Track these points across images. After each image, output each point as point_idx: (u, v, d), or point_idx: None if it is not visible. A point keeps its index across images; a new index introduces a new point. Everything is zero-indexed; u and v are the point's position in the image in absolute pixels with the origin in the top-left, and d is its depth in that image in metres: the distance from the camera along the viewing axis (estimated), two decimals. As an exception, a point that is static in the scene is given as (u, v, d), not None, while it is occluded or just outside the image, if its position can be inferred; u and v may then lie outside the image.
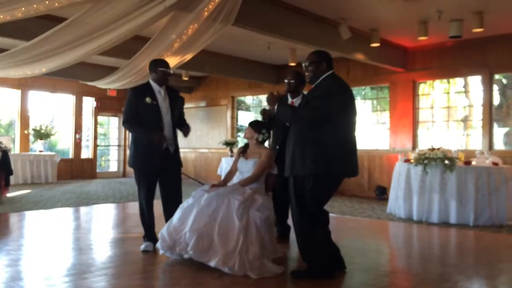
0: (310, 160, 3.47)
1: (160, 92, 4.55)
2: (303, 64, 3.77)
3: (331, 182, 3.61)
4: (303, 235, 3.64)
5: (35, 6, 4.52)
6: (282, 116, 3.76)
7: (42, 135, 12.41)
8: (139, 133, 4.48)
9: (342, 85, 3.67)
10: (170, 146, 4.57)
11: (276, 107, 3.74)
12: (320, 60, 3.67)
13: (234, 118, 12.70)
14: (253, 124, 4.47)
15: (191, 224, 3.81)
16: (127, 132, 15.01)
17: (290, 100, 5.09)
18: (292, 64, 9.47)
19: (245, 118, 12.85)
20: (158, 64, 4.58)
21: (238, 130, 12.74)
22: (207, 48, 7.38)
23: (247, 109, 13.18)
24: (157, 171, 4.52)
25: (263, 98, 12.25)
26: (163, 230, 4.02)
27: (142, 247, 4.52)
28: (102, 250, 4.66)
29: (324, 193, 3.62)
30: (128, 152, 16.01)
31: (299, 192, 3.59)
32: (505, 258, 4.77)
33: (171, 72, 4.70)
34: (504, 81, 9.01)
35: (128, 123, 4.53)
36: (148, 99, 4.43)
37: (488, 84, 8.65)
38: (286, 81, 5.03)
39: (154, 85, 4.56)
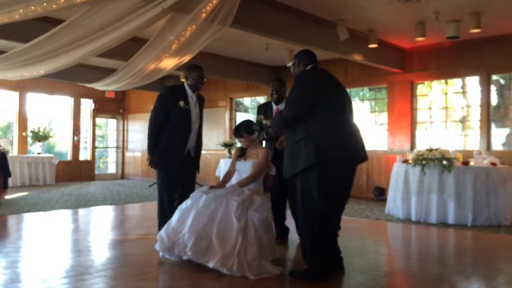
0: (304, 154, 3.40)
1: (192, 97, 4.65)
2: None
3: (332, 171, 3.42)
4: (311, 236, 3.50)
5: (32, 8, 4.51)
6: (275, 126, 3.84)
7: (40, 137, 12.40)
8: (151, 145, 4.58)
9: (314, 73, 3.67)
10: (193, 150, 4.71)
11: (270, 124, 3.86)
12: (296, 60, 3.82)
13: (232, 119, 12.70)
14: (243, 131, 4.40)
15: (190, 225, 3.81)
16: (125, 134, 15.03)
17: (275, 107, 5.17)
18: (290, 65, 9.47)
19: (244, 119, 12.82)
20: (193, 70, 4.65)
21: (237, 131, 12.71)
22: (205, 50, 7.38)
23: (245, 110, 13.19)
24: (177, 172, 4.61)
25: (262, 99, 12.26)
26: (161, 232, 4.02)
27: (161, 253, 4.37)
28: (101, 252, 4.65)
29: (329, 185, 3.43)
30: (126, 154, 15.94)
31: (306, 191, 3.47)
32: (503, 258, 4.77)
33: (205, 80, 4.77)
34: (502, 81, 9.03)
35: (152, 129, 4.60)
36: (181, 103, 4.52)
37: (486, 85, 8.67)
38: (271, 89, 5.13)
39: (188, 89, 4.65)
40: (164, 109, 4.55)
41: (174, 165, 4.56)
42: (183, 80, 11.92)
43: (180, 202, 4.53)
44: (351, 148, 3.48)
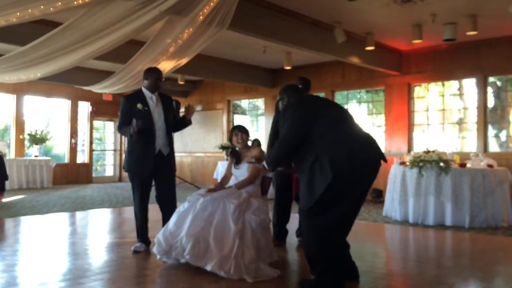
0: (319, 175, 3.18)
1: (152, 98, 4.72)
2: None
3: (351, 179, 3.21)
4: (320, 242, 3.30)
5: (30, 11, 4.51)
6: (270, 166, 3.61)
7: (37, 140, 12.38)
8: (126, 132, 4.60)
9: (300, 101, 3.61)
10: (164, 149, 4.70)
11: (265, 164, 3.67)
12: (284, 96, 3.79)
13: (230, 122, 12.70)
14: (242, 132, 4.40)
15: (187, 228, 3.80)
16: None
17: None
18: (288, 67, 9.49)
19: (241, 122, 12.86)
20: (149, 72, 4.77)
21: (234, 134, 12.71)
22: (202, 52, 7.39)
23: (243, 113, 13.19)
24: (150, 174, 4.65)
25: (259, 102, 12.28)
26: (159, 235, 4.01)
27: (133, 247, 4.66)
28: (98, 255, 4.64)
29: (348, 194, 3.24)
30: (123, 156, 15.97)
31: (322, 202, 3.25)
32: (501, 260, 4.78)
33: (163, 78, 4.86)
34: (499, 83, 9.06)
35: (120, 129, 4.75)
36: (139, 105, 4.60)
37: (482, 87, 8.70)
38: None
39: (146, 92, 4.74)
40: (125, 115, 4.63)
41: (146, 167, 4.58)
42: (181, 82, 11.97)
43: (163, 203, 4.72)
44: (364, 152, 3.30)
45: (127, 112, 4.63)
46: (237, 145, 4.40)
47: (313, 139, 3.31)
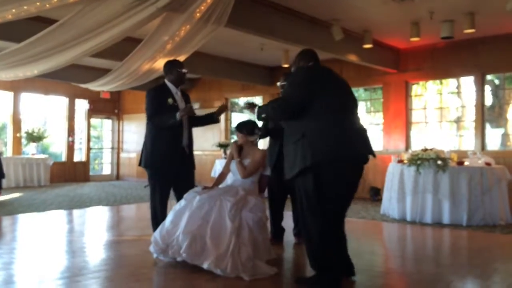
0: (300, 155, 3.25)
1: (177, 93, 4.56)
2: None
3: (328, 171, 3.23)
4: (316, 239, 3.31)
5: (25, 7, 4.49)
6: (262, 112, 3.60)
7: (34, 138, 12.33)
8: (167, 120, 4.35)
9: (310, 70, 3.53)
10: (187, 147, 4.56)
11: (256, 110, 3.64)
12: (298, 58, 3.71)
13: (228, 120, 12.69)
14: (244, 129, 4.38)
15: (184, 226, 3.79)
16: (121, 135, 14.98)
17: None
18: (285, 65, 9.47)
19: (239, 119, 12.84)
20: (173, 65, 4.58)
21: (232, 132, 12.72)
22: (200, 50, 7.36)
23: (241, 110, 13.17)
24: (174, 172, 4.45)
25: (257, 99, 12.25)
26: (155, 234, 3.99)
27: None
28: (95, 253, 4.63)
29: (327, 186, 3.24)
30: (121, 155, 15.80)
31: (304, 193, 3.32)
32: (498, 258, 4.78)
33: (187, 71, 4.67)
34: (496, 81, 9.06)
35: (155, 118, 4.43)
36: (170, 100, 4.42)
37: (480, 85, 8.70)
38: (279, 84, 5.03)
39: (171, 86, 4.55)
40: (156, 108, 4.42)
41: (171, 166, 4.40)
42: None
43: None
44: (349, 147, 3.29)
45: (158, 107, 4.39)
46: (239, 141, 4.43)
47: (307, 113, 3.29)
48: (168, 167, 4.42)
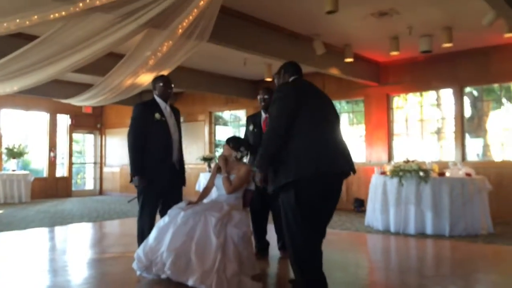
0: (284, 169, 3.27)
1: (166, 108, 4.53)
2: None
3: (308, 185, 3.25)
4: (295, 253, 3.31)
5: (5, 25, 4.45)
6: (261, 161, 3.45)
7: (15, 154, 12.15)
8: (135, 160, 4.31)
9: (293, 85, 3.56)
10: (177, 163, 4.54)
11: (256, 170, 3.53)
12: (282, 70, 3.74)
13: (212, 133, 12.68)
14: (230, 142, 4.46)
15: (168, 243, 3.75)
16: (103, 149, 14.83)
17: (263, 116, 5.12)
18: (268, 79, 9.53)
19: (223, 133, 12.85)
20: (157, 80, 4.59)
21: (216, 145, 12.71)
22: (183, 64, 7.39)
23: (225, 124, 13.19)
24: (164, 187, 4.40)
25: (241, 113, 12.29)
26: (138, 251, 3.94)
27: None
28: (78, 271, 4.55)
29: (307, 200, 3.24)
30: (104, 169, 15.57)
31: (286, 207, 3.32)
32: (481, 268, 4.84)
33: (172, 85, 4.65)
34: (475, 93, 9.26)
35: (132, 139, 4.37)
36: (157, 115, 4.39)
37: (459, 97, 8.88)
38: (259, 97, 5.07)
39: (159, 101, 4.53)
40: (142, 122, 4.38)
41: (163, 179, 4.35)
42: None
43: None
44: (331, 163, 3.30)
45: (143, 123, 4.35)
46: (224, 153, 4.47)
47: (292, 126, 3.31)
48: (159, 183, 4.36)
